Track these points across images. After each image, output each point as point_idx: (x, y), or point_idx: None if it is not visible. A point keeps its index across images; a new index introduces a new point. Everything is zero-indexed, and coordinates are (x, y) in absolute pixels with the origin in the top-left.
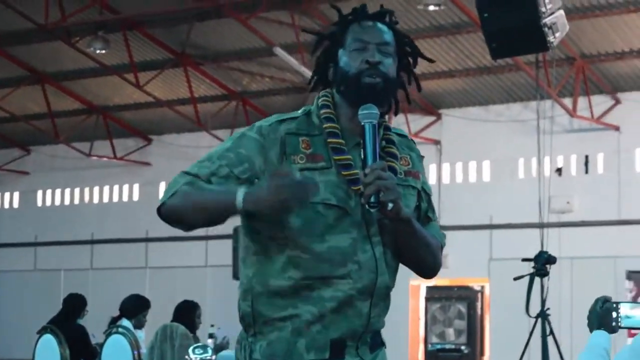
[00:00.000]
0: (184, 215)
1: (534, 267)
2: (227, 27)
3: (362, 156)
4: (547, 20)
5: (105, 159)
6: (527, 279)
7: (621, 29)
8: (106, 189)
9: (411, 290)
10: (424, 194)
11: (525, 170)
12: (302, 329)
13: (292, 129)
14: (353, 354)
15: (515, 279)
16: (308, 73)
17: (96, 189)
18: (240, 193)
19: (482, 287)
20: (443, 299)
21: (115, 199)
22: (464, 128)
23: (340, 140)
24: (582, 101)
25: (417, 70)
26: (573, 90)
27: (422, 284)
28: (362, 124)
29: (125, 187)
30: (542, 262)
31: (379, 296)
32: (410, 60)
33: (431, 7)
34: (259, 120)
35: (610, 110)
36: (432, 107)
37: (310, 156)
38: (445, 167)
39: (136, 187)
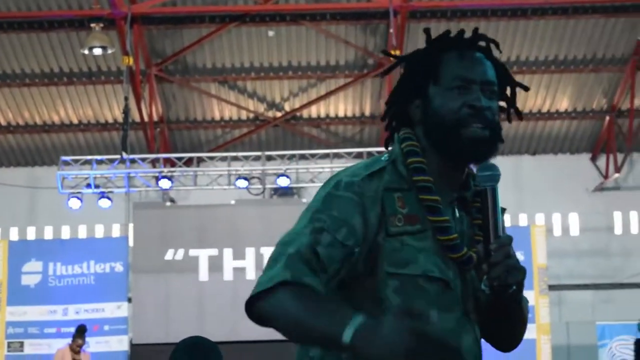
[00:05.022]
0: (283, 331)
1: None
2: None
3: (484, 226)
4: None
5: None
6: None
7: None
8: None
9: None
10: None
11: None
12: None
13: (387, 183)
14: None
15: None
16: None
17: None
18: (350, 328)
19: None
20: None
21: None
22: None
23: (435, 197)
24: None
25: None
26: None
27: None
28: (483, 187)
29: None
30: None
31: None
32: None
33: None
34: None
35: None
36: None
37: (407, 217)
38: None
39: None
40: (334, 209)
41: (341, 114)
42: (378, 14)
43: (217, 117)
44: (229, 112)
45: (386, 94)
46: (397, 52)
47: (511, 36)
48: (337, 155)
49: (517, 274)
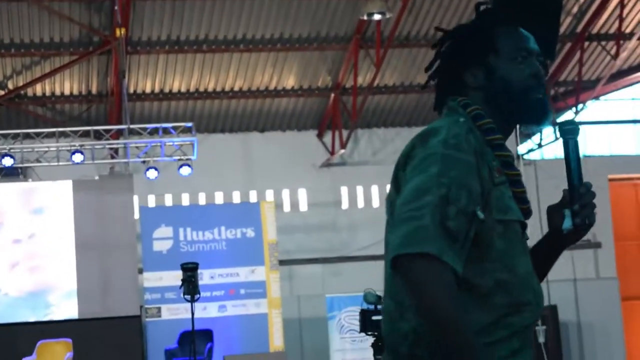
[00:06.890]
0: (420, 302)
1: None
2: None
3: (568, 174)
4: None
5: None
6: None
7: None
8: None
9: None
10: None
11: None
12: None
13: (480, 139)
14: None
15: None
16: None
17: None
18: None
19: None
20: None
21: None
22: None
23: (509, 153)
24: None
25: None
26: None
27: None
28: (565, 139)
29: None
30: None
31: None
32: None
33: None
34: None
35: None
36: None
37: (498, 169)
38: None
39: None
40: (453, 169)
41: (67, 92)
42: None
43: None
44: None
45: (112, 72)
46: (123, 30)
47: (237, 15)
48: (64, 134)
49: (594, 216)
